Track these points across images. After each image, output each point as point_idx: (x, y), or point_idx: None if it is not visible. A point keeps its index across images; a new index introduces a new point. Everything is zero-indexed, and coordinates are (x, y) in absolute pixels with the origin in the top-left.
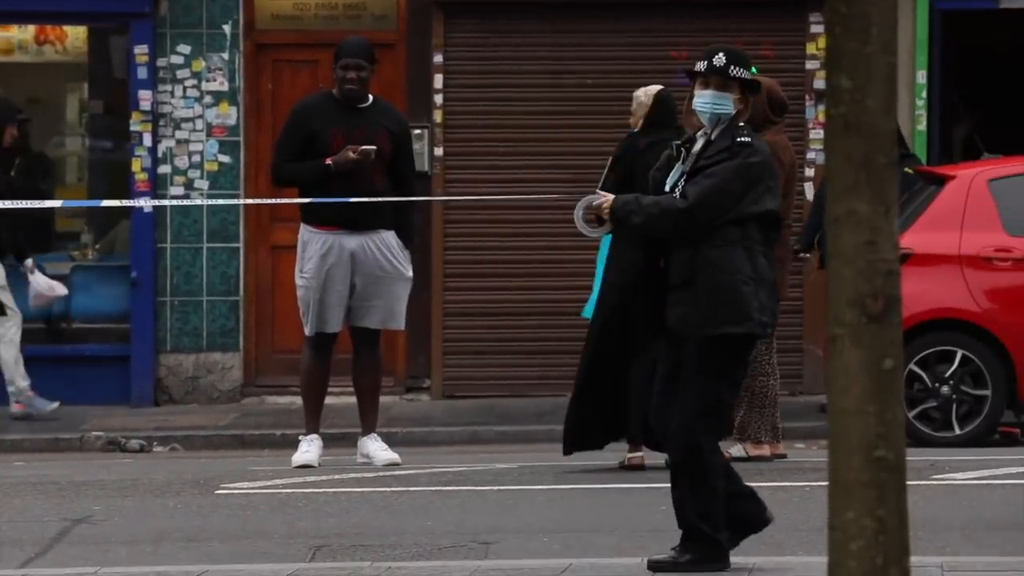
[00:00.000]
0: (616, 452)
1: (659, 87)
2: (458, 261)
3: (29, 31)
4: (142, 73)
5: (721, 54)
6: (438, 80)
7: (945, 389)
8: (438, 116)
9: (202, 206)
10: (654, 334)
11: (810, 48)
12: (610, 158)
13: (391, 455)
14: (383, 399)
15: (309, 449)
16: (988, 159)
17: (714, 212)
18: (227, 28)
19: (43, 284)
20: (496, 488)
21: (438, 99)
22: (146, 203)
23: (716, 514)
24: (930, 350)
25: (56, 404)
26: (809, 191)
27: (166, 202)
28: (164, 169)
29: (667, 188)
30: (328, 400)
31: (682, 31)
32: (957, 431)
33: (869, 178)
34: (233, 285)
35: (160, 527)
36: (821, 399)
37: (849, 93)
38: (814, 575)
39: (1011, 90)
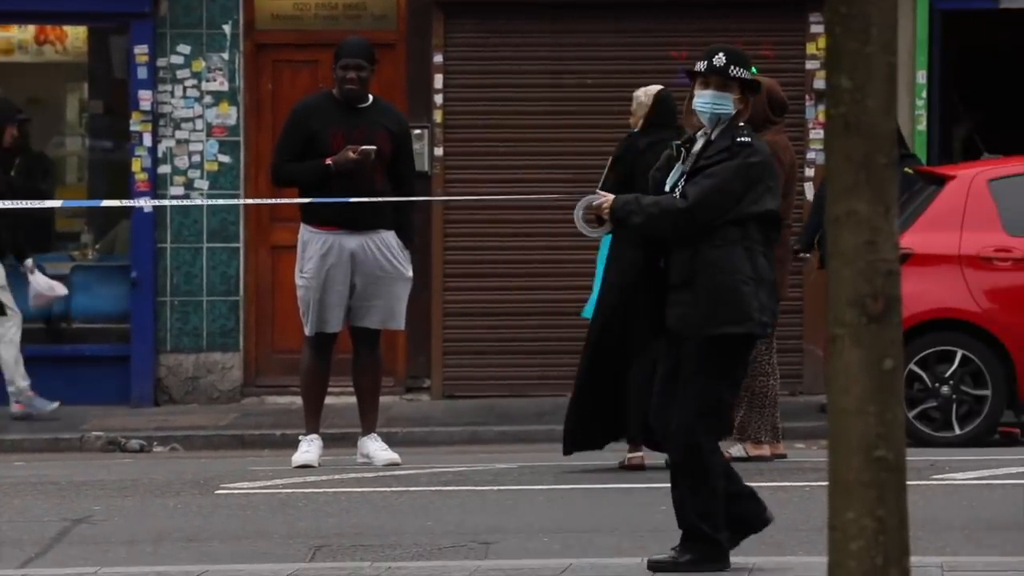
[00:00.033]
0: (616, 452)
1: (659, 87)
2: (458, 261)
3: (29, 31)
4: (142, 73)
5: (721, 54)
6: (438, 80)
7: (945, 389)
8: (438, 116)
9: (202, 206)
10: (654, 334)
11: (810, 48)
12: (610, 158)
13: (391, 455)
14: (383, 399)
15: (309, 449)
16: (988, 159)
17: (714, 212)
18: (227, 28)
19: (43, 284)
20: (496, 488)
21: (438, 99)
22: (146, 203)
23: (716, 514)
24: (930, 350)
25: (56, 404)
26: (809, 191)
27: (166, 202)
28: (164, 169)
29: (667, 188)
30: (328, 400)
31: (682, 31)
32: (957, 431)
33: (869, 178)
34: (233, 285)
35: (160, 527)
36: (821, 399)
37: (849, 93)
38: (814, 575)
39: (1011, 90)
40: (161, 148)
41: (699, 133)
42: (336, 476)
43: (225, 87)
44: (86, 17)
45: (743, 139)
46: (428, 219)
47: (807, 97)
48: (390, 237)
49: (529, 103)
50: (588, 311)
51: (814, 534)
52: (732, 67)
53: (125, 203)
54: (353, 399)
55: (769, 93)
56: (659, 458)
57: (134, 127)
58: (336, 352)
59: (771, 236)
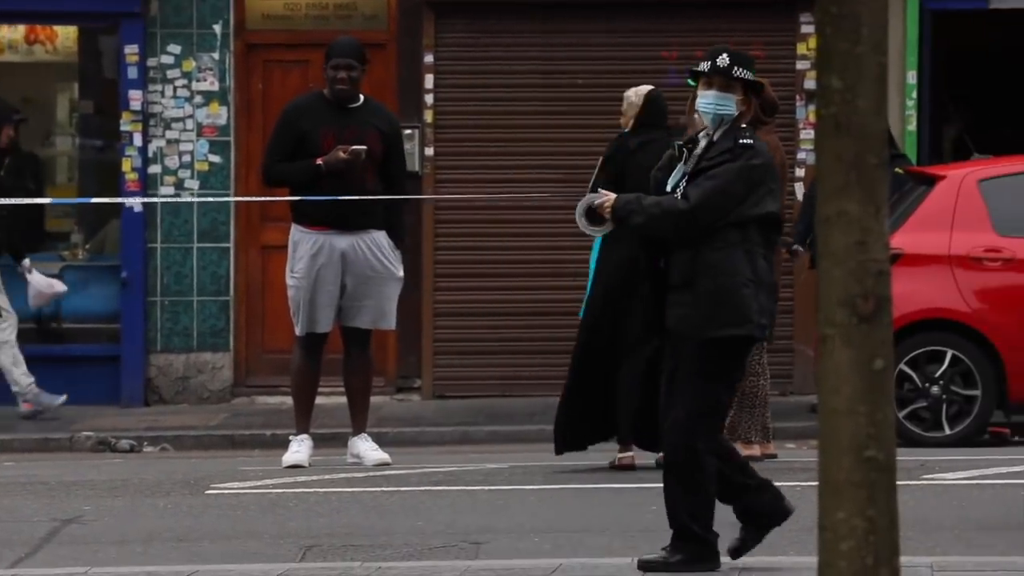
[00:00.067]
0: (606, 452)
1: (649, 87)
2: (448, 261)
3: (19, 31)
4: (132, 73)
5: (725, 55)
6: (429, 80)
7: (935, 389)
8: (429, 116)
9: (192, 206)
10: (654, 334)
11: (800, 48)
12: (600, 158)
13: (381, 455)
14: (373, 399)
15: (299, 449)
16: (978, 159)
17: (715, 214)
18: (217, 28)
19: (43, 283)
20: (487, 488)
21: (429, 99)
22: (136, 201)
23: (707, 514)
24: (920, 350)
25: (63, 397)
26: (799, 191)
27: (156, 199)
28: (154, 169)
29: (668, 188)
30: (318, 400)
31: (673, 31)
32: (947, 431)
33: (859, 178)
34: (223, 285)
35: (150, 527)
36: (811, 399)
37: (839, 93)
38: (804, 575)
39: (1001, 90)
40: (151, 148)
41: (701, 134)
42: (326, 476)
43: (215, 87)
44: (76, 17)
45: (745, 141)
46: (418, 219)
47: (798, 97)
48: (381, 237)
49: (520, 103)
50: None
51: (804, 534)
52: (735, 68)
53: (115, 200)
54: (343, 399)
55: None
56: (649, 458)
57: (124, 127)
58: (327, 352)
59: (772, 238)
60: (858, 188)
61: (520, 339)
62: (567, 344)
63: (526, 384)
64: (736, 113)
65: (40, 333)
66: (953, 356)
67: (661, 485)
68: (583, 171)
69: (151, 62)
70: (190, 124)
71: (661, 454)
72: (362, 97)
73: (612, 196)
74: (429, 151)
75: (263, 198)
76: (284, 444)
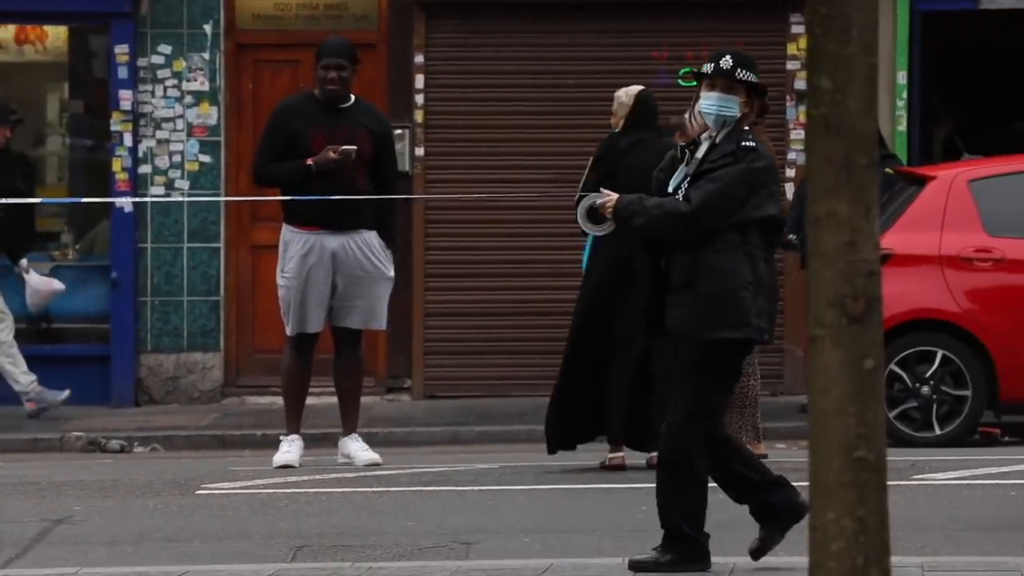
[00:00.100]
0: (597, 453)
1: (640, 87)
2: (439, 261)
3: (9, 31)
4: (122, 73)
5: (728, 56)
6: (419, 80)
7: (925, 389)
8: (419, 116)
9: (182, 206)
10: (654, 335)
11: (791, 49)
12: (591, 158)
13: (372, 455)
14: (364, 399)
15: (290, 449)
16: (968, 160)
17: (717, 216)
18: (208, 28)
19: (41, 282)
20: (477, 488)
21: (419, 99)
22: (126, 201)
23: (699, 515)
24: (910, 350)
25: (66, 392)
26: (789, 192)
27: (146, 199)
28: (145, 169)
29: (670, 190)
30: (309, 400)
31: (663, 32)
32: (937, 431)
33: (850, 179)
34: (214, 285)
35: (141, 527)
36: (802, 399)
37: (830, 94)
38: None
39: (991, 91)
40: (142, 148)
41: (703, 136)
42: (317, 476)
43: (206, 87)
44: (67, 17)
45: (748, 143)
46: (409, 219)
47: (788, 98)
48: (372, 237)
49: (510, 103)
50: None
51: (795, 534)
52: (739, 70)
53: (105, 200)
54: (334, 399)
55: None
56: (640, 458)
57: (115, 127)
58: (317, 352)
59: (772, 241)
60: (848, 189)
61: (510, 339)
62: (558, 344)
63: (516, 384)
64: (739, 115)
65: (30, 333)
66: (943, 356)
67: (651, 485)
68: (574, 171)
69: (141, 62)
70: (180, 124)
71: (651, 454)
72: (353, 97)
73: (614, 196)
74: (419, 151)
75: (253, 198)
76: (274, 444)
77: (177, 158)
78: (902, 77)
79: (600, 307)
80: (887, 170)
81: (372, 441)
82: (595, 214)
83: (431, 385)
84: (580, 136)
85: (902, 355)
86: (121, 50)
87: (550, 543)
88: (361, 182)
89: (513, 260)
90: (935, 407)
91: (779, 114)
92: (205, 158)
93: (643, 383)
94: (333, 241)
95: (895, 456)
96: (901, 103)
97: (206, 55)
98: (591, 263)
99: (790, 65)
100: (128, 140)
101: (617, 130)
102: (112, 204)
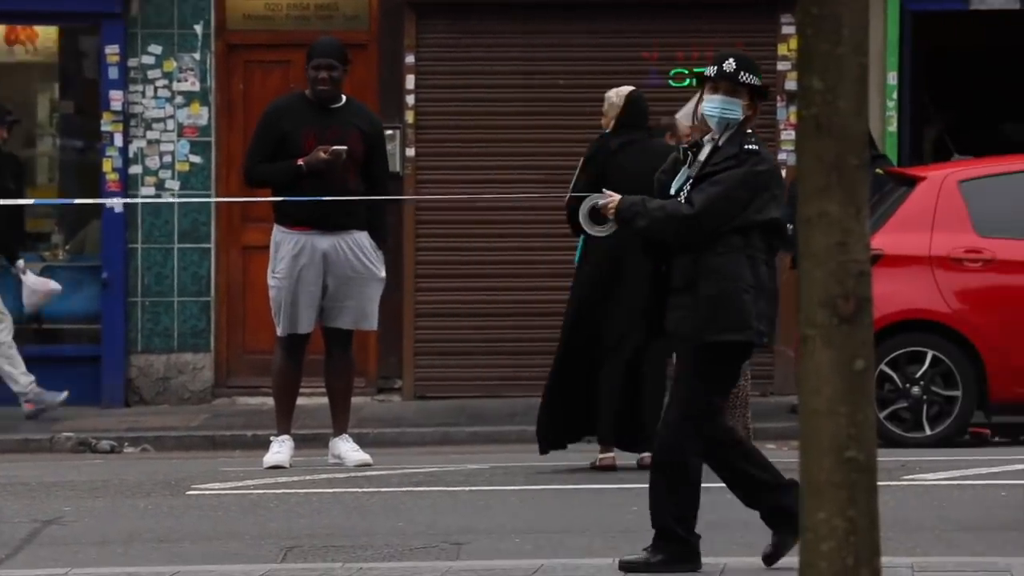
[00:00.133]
0: (587, 453)
1: (631, 88)
2: (430, 262)
3: None
4: (113, 73)
5: (731, 59)
6: (410, 81)
7: (916, 390)
8: (410, 117)
9: (173, 207)
10: (654, 336)
11: (781, 49)
12: (581, 159)
13: (362, 456)
14: (354, 400)
15: (280, 450)
16: (959, 160)
17: (719, 219)
18: (198, 28)
19: (37, 283)
20: (468, 489)
21: (410, 100)
22: (116, 201)
23: (691, 516)
24: (901, 351)
25: (65, 394)
26: None
27: (137, 200)
28: (135, 169)
29: (672, 192)
30: (300, 401)
31: (654, 32)
32: (928, 432)
33: (840, 179)
34: (204, 286)
35: (131, 528)
36: (792, 400)
37: (820, 94)
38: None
39: (981, 91)
40: (132, 148)
41: (706, 138)
42: (307, 477)
43: (196, 87)
44: (57, 17)
45: (750, 147)
46: (400, 219)
47: (779, 98)
48: (363, 237)
49: (501, 104)
50: None
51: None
52: (742, 73)
53: (96, 201)
54: (325, 400)
55: None
56: (630, 459)
57: (105, 127)
58: (308, 353)
59: (774, 244)
60: (839, 189)
61: (501, 340)
62: (549, 345)
63: (507, 385)
64: (742, 118)
65: (21, 334)
66: (934, 357)
67: (641, 486)
68: (564, 171)
69: (132, 62)
70: (171, 124)
71: (642, 455)
72: (344, 97)
73: (616, 197)
74: (410, 152)
75: (244, 199)
76: (265, 445)
77: (168, 159)
78: (892, 77)
79: (592, 307)
80: (877, 170)
81: (363, 441)
82: (597, 215)
83: (422, 385)
84: (571, 137)
85: (892, 355)
86: (111, 50)
87: (541, 543)
88: (352, 182)
89: (504, 261)
90: (925, 407)
91: (770, 115)
92: (196, 159)
93: (633, 384)
94: (324, 242)
95: (885, 456)
96: (891, 103)
97: (196, 55)
98: (582, 261)
99: (781, 65)
100: (119, 140)
101: (608, 131)
102: (103, 204)
